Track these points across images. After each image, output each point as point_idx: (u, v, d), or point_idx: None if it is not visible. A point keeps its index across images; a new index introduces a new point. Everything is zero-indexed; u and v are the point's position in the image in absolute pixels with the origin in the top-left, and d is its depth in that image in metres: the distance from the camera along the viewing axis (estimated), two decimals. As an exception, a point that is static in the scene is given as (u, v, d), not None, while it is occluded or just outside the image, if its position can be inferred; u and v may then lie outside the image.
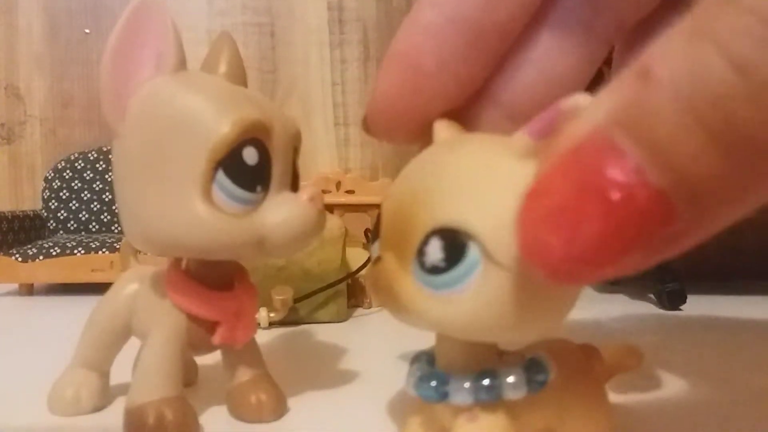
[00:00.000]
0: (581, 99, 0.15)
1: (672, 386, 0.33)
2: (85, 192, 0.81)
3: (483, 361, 0.20)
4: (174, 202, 0.24)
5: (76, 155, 0.82)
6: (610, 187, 0.13)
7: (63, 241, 0.69)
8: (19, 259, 0.67)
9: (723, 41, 0.12)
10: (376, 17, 0.86)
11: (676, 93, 0.12)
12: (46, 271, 0.67)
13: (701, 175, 0.12)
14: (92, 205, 0.81)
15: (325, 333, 0.48)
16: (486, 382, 0.19)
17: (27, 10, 0.88)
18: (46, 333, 0.50)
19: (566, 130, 0.14)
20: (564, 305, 0.18)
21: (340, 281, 0.52)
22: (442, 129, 0.21)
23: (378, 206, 0.68)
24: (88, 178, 0.81)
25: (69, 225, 0.80)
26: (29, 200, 0.89)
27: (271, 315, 0.48)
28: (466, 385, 0.19)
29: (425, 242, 0.17)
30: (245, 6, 0.87)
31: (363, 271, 0.56)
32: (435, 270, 0.17)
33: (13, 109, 0.88)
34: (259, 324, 0.48)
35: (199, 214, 0.24)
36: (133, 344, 0.29)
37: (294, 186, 0.27)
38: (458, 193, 0.17)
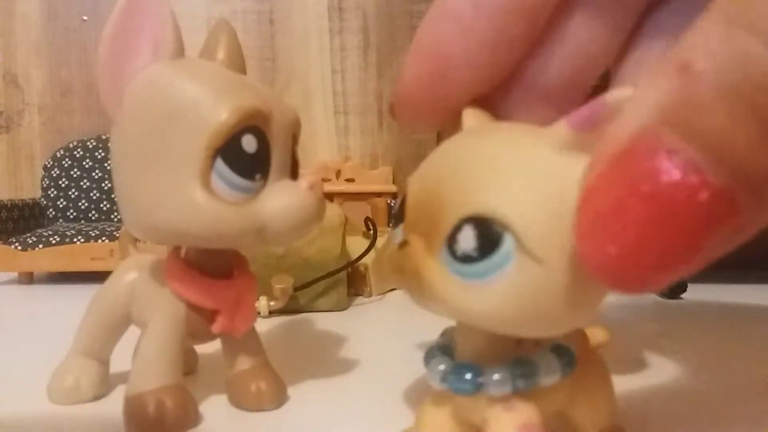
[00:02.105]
0: (626, 93, 0.15)
1: (672, 375, 0.33)
2: (85, 180, 0.81)
3: (505, 350, 0.20)
4: (173, 190, 0.24)
5: (75, 143, 0.82)
6: (671, 190, 0.12)
7: (62, 230, 0.69)
8: (19, 247, 0.67)
9: (762, 29, 0.12)
10: (376, 4, 0.86)
11: (722, 85, 0.12)
12: (45, 259, 0.67)
13: (759, 163, 0.12)
14: (91, 194, 0.81)
15: (325, 322, 0.48)
16: (523, 370, 0.19)
17: (25, -3, 0.88)
18: (45, 321, 0.50)
19: (610, 130, 0.14)
20: (595, 299, 0.17)
21: (340, 270, 0.52)
22: (471, 117, 0.21)
23: (378, 194, 0.69)
24: (87, 166, 0.81)
25: (68, 213, 0.80)
26: (28, 189, 0.89)
27: (271, 304, 0.48)
28: (503, 374, 0.19)
29: (457, 229, 0.17)
30: (244, -7, 0.86)
31: (363, 260, 0.56)
32: (467, 259, 0.17)
33: (11, 97, 0.88)
34: (259, 313, 0.48)
35: (198, 202, 0.24)
36: (133, 332, 0.29)
37: (293, 174, 0.27)
38: (494, 181, 0.17)
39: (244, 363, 0.29)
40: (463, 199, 0.17)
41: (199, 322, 0.28)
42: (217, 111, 0.24)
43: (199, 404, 0.28)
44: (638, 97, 0.14)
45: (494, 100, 0.22)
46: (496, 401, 0.19)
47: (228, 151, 0.24)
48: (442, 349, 0.21)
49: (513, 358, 0.19)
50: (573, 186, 0.15)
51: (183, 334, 0.27)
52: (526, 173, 0.16)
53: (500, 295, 0.16)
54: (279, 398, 0.29)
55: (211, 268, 0.28)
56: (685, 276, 0.13)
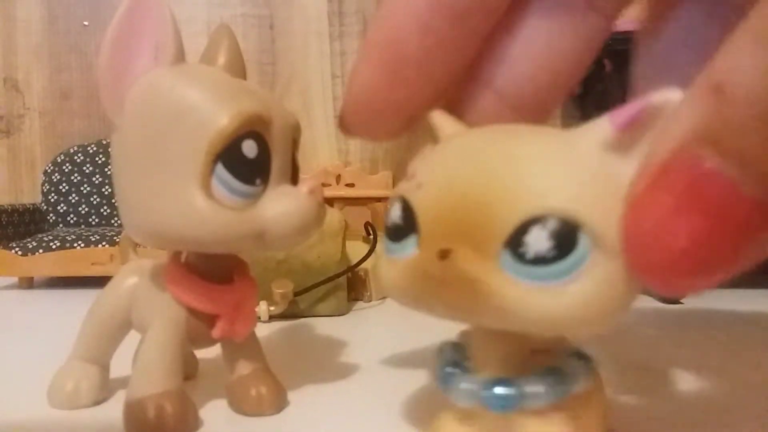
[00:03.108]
0: (671, 94, 0.15)
1: (672, 380, 0.33)
2: (85, 185, 0.81)
3: (523, 359, 0.19)
4: (173, 195, 0.24)
5: (76, 148, 0.82)
6: (711, 203, 0.14)
7: (63, 235, 0.69)
8: (19, 252, 0.67)
9: None
10: (376, 9, 0.86)
11: (753, 107, 0.13)
12: (45, 264, 0.67)
13: None
14: (92, 199, 0.81)
15: (325, 326, 0.48)
16: (557, 380, 0.19)
17: (26, 2, 0.87)
18: (45, 326, 0.50)
19: (653, 147, 0.15)
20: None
21: (340, 275, 0.52)
22: (444, 121, 0.20)
23: (378, 199, 0.68)
24: (87, 171, 0.81)
25: (69, 218, 0.80)
26: (29, 193, 0.89)
27: (271, 308, 0.48)
28: (539, 387, 0.18)
29: (521, 231, 0.16)
30: (244, -2, 0.87)
31: (363, 265, 0.56)
32: (540, 261, 0.16)
33: (12, 101, 0.88)
34: (259, 317, 0.48)
35: (198, 207, 0.24)
36: (134, 337, 0.29)
37: (294, 179, 0.27)
38: (555, 178, 0.16)
39: (244, 368, 0.29)
40: (523, 199, 0.16)
41: (199, 326, 0.28)
42: (217, 116, 0.24)
43: (200, 409, 0.28)
44: (677, 116, 0.14)
45: (462, 109, 0.21)
46: (532, 414, 0.19)
47: (228, 156, 0.24)
48: (453, 364, 0.21)
49: (543, 368, 0.19)
50: (627, 183, 0.16)
51: (183, 339, 0.27)
52: (586, 169, 0.16)
53: (577, 294, 0.16)
54: (279, 403, 0.29)
55: (212, 272, 0.28)
56: (725, 281, 0.15)
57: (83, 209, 0.81)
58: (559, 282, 0.16)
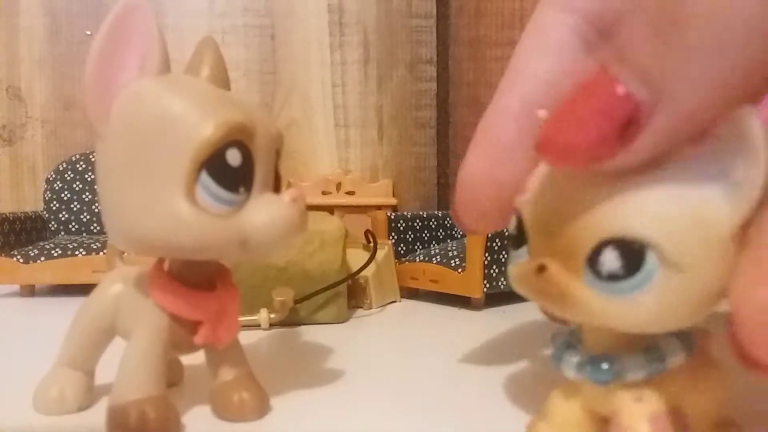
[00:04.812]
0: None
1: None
2: (87, 193, 0.81)
3: (627, 340, 0.21)
4: (158, 202, 0.24)
5: (78, 156, 0.82)
6: None
7: (64, 243, 0.69)
8: (21, 260, 0.67)
9: None
10: (377, 19, 0.86)
11: None
12: (47, 272, 0.67)
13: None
14: (93, 207, 0.81)
15: (324, 334, 0.48)
16: (653, 355, 0.20)
17: (28, 11, 0.88)
18: (47, 334, 0.50)
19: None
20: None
21: (340, 282, 0.52)
22: None
23: (378, 207, 0.68)
24: (89, 179, 0.81)
25: (70, 226, 0.81)
26: (30, 202, 0.89)
27: (272, 316, 0.49)
28: (637, 361, 0.20)
29: (597, 252, 0.18)
30: (246, 8, 0.87)
31: (363, 272, 0.57)
32: (613, 278, 0.18)
33: (14, 110, 0.88)
34: (259, 325, 0.48)
35: (182, 214, 0.24)
36: (120, 343, 0.29)
37: (276, 188, 0.28)
38: (627, 203, 0.18)
39: (227, 374, 0.29)
40: (598, 223, 0.18)
41: (182, 333, 0.28)
42: (202, 126, 0.24)
43: (184, 415, 0.28)
44: None
45: None
46: (627, 392, 0.20)
47: (213, 164, 0.25)
48: (567, 345, 0.23)
49: (644, 346, 0.21)
50: (700, 194, 0.17)
51: (166, 345, 0.28)
52: (656, 188, 0.18)
53: (648, 305, 0.18)
54: (261, 409, 0.29)
55: (195, 279, 0.28)
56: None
57: (85, 217, 0.81)
58: (631, 295, 0.18)
